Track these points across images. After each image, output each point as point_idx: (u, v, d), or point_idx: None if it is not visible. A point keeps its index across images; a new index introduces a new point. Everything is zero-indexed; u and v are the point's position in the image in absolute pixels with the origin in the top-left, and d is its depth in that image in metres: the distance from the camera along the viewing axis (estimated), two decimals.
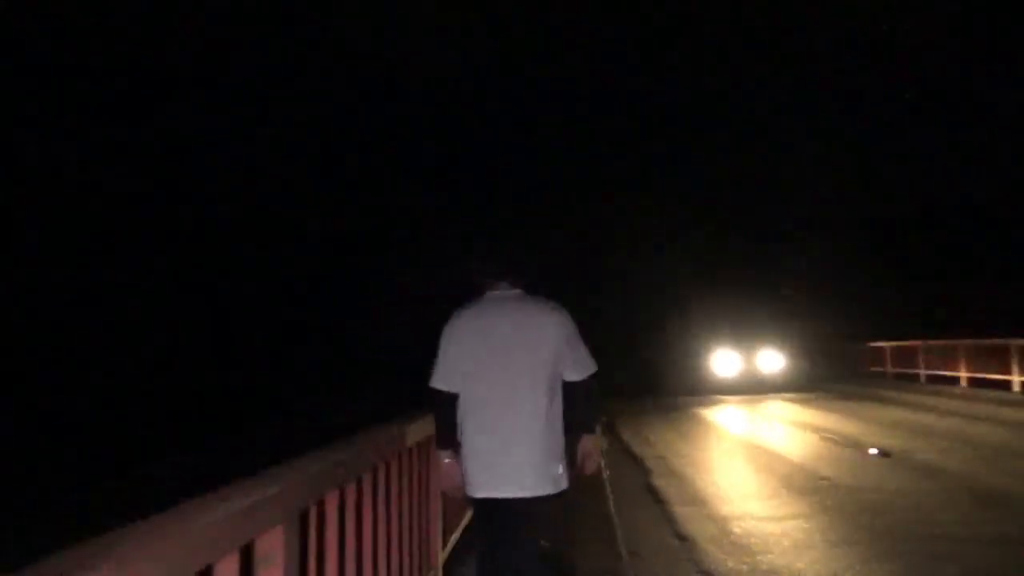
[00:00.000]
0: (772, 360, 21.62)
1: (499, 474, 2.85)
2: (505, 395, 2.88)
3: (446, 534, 4.22)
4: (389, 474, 3.10)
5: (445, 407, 2.98)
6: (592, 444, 3.09)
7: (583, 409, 3.04)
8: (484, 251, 3.12)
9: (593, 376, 3.03)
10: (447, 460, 3.01)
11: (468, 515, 4.59)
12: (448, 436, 3.00)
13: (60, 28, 18.53)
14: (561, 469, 2.91)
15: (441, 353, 2.98)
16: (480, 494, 2.89)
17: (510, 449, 2.84)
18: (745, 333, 21.85)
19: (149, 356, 17.18)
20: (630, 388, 18.05)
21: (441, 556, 4.02)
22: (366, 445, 2.89)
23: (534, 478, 2.84)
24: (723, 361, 21.65)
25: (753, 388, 20.05)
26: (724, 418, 14.68)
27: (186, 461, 10.18)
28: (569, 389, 2.99)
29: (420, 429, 3.52)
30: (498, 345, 2.92)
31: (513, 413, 2.87)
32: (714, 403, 17.47)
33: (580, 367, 3.00)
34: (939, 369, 19.14)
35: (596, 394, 3.06)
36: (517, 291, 3.04)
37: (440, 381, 2.97)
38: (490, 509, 2.88)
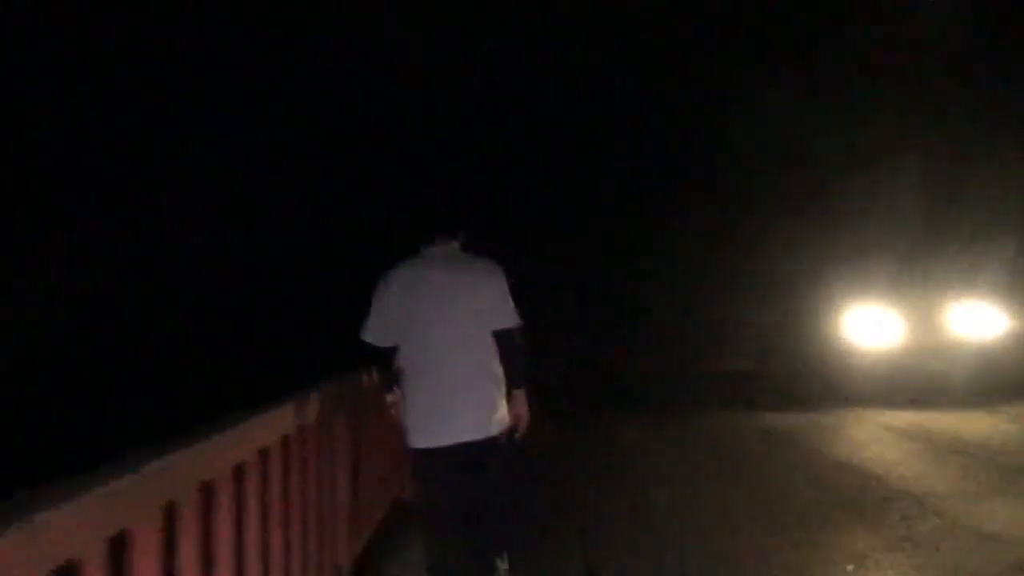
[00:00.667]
0: (982, 323, 9.57)
1: (445, 423, 2.93)
2: (446, 346, 2.97)
3: (358, 531, 3.78)
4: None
5: (379, 358, 3.11)
6: (523, 403, 3.13)
7: (511, 364, 3.07)
8: (421, 206, 3.31)
9: (519, 330, 3.09)
10: (390, 398, 3.17)
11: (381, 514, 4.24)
12: (389, 379, 3.14)
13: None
14: (501, 413, 3.02)
15: (372, 307, 3.07)
16: (425, 444, 2.97)
17: (454, 399, 2.94)
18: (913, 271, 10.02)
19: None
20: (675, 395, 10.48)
21: (348, 554, 3.57)
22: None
23: (477, 423, 2.95)
24: (869, 328, 9.74)
25: (947, 388, 8.88)
26: None
27: None
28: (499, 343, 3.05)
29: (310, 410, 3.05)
30: (435, 298, 3.01)
31: (454, 363, 2.97)
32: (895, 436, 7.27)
33: (507, 319, 3.06)
34: None
35: (522, 349, 3.11)
36: (452, 247, 3.11)
37: (369, 334, 3.07)
38: (433, 457, 2.96)
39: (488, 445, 2.97)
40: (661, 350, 13.65)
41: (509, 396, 3.10)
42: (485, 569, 3.03)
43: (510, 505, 3.19)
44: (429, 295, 3.02)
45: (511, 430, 3.10)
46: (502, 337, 3.04)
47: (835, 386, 9.27)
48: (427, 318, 2.99)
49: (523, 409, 3.13)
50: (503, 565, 3.13)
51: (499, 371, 3.04)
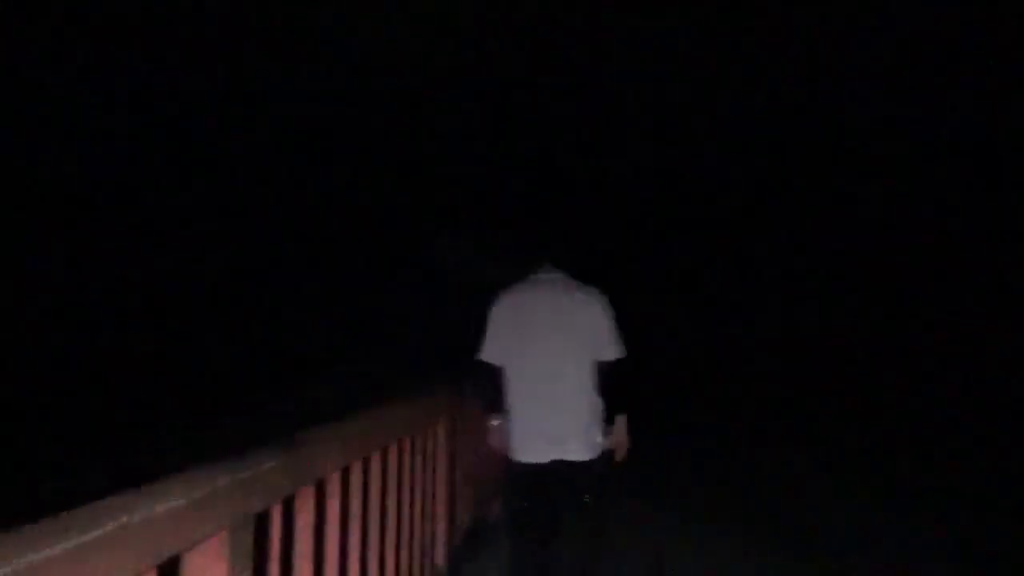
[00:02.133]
0: None
1: (545, 441, 3.11)
2: (550, 370, 3.14)
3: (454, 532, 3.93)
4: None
5: (492, 377, 3.25)
6: (623, 430, 3.23)
7: (614, 391, 3.21)
8: (529, 235, 3.43)
9: (623, 361, 3.21)
10: (495, 422, 3.28)
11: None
12: (496, 402, 3.27)
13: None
14: (600, 438, 3.17)
15: (488, 328, 3.26)
16: (526, 459, 3.14)
17: (556, 418, 3.11)
18: None
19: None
20: None
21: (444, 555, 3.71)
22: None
23: (577, 445, 3.11)
24: None
25: None
26: None
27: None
28: (601, 373, 3.20)
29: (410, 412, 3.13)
30: (541, 323, 3.18)
31: (558, 386, 3.13)
32: None
33: (613, 350, 3.19)
34: None
35: (626, 378, 3.22)
36: (559, 275, 3.27)
37: (486, 354, 3.26)
38: (533, 472, 3.13)
39: (585, 467, 3.12)
40: None
41: (610, 422, 3.21)
42: None
43: (599, 527, 3.26)
44: (537, 320, 3.19)
45: (609, 455, 3.21)
46: (606, 366, 3.18)
47: None
48: (534, 342, 3.17)
49: (623, 436, 3.23)
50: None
51: (598, 398, 3.18)
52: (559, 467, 3.10)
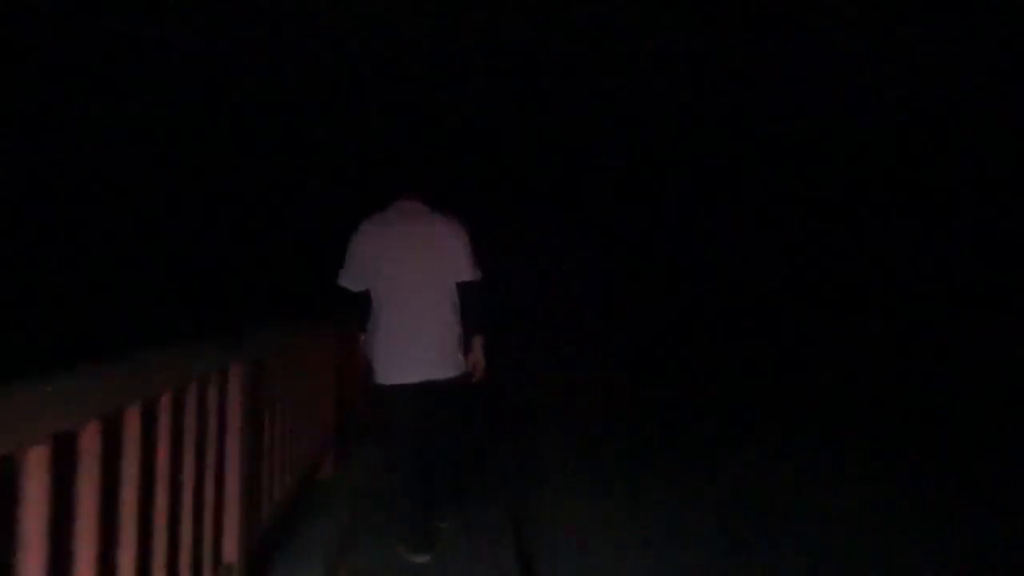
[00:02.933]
0: None
1: (410, 363, 3.29)
2: (414, 294, 3.31)
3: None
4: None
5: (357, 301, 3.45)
6: (480, 350, 3.44)
7: (472, 313, 3.41)
8: (395, 165, 3.50)
9: (480, 283, 3.43)
10: (362, 338, 3.52)
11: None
12: (361, 322, 3.49)
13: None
14: (461, 356, 3.40)
15: (348, 255, 3.38)
16: (393, 381, 3.31)
17: (418, 341, 3.29)
18: None
19: None
20: None
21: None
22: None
23: (442, 364, 3.32)
24: None
25: None
26: None
27: None
28: (460, 295, 3.40)
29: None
30: (405, 249, 3.32)
31: (422, 309, 3.32)
32: None
33: (468, 272, 3.38)
34: None
35: (481, 301, 3.44)
36: (420, 203, 3.41)
37: (345, 279, 3.42)
38: (401, 393, 3.31)
39: (446, 384, 3.37)
40: None
41: (468, 343, 3.44)
42: (432, 484, 3.49)
43: (457, 438, 3.65)
44: (397, 245, 3.33)
45: (467, 374, 3.44)
46: (464, 289, 3.39)
47: None
48: (394, 266, 3.32)
49: (480, 356, 3.45)
50: (443, 524, 3.62)
51: (458, 320, 3.39)
52: (427, 385, 3.33)
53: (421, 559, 3.27)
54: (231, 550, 2.69)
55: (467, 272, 3.37)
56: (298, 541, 3.54)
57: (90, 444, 1.64)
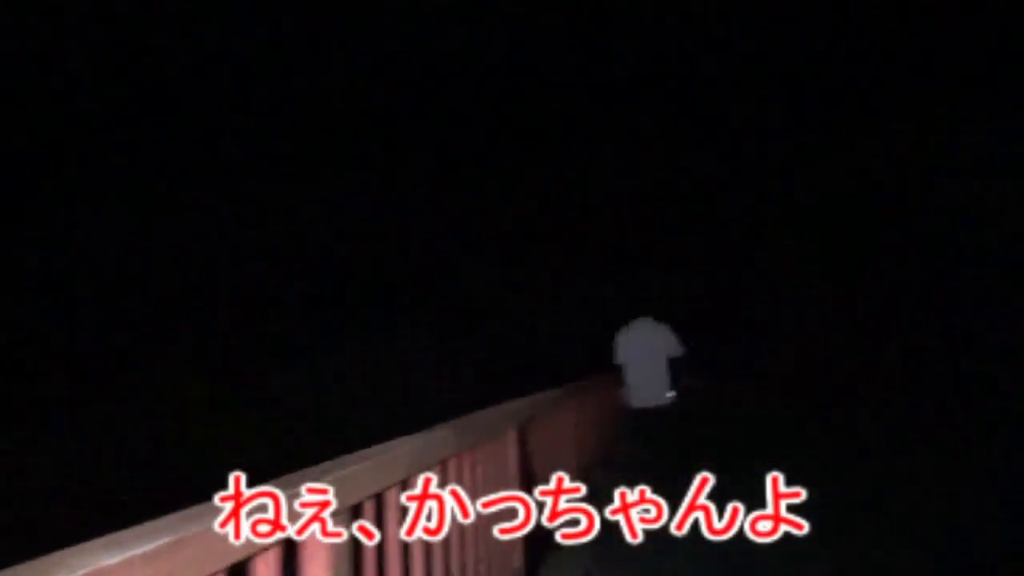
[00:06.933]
0: None
1: (646, 397, 6.93)
2: (647, 362, 6.93)
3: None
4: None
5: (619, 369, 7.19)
6: (683, 382, 7.01)
7: (676, 373, 6.95)
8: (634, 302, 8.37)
9: (683, 356, 7.00)
10: (620, 390, 7.30)
11: None
12: (621, 378, 7.23)
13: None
14: (671, 395, 6.91)
15: (616, 346, 7.11)
16: (638, 406, 7.01)
17: (652, 386, 6.90)
18: None
19: None
20: None
21: None
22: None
23: (662, 397, 6.88)
24: None
25: None
26: None
27: None
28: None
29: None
30: (641, 343, 6.99)
31: (652, 369, 6.92)
32: None
33: (675, 352, 6.97)
34: None
35: (683, 365, 7.00)
36: (649, 319, 7.13)
37: (616, 359, 7.13)
38: (642, 412, 7.00)
39: (664, 407, 6.91)
40: None
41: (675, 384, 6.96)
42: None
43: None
44: (638, 342, 7.02)
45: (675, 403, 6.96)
46: (672, 360, 6.93)
47: None
48: (638, 351, 7.00)
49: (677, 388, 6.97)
50: None
51: (668, 374, 6.93)
52: (656, 407, 6.90)
53: None
54: None
55: (674, 350, 7.01)
56: None
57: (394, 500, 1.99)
